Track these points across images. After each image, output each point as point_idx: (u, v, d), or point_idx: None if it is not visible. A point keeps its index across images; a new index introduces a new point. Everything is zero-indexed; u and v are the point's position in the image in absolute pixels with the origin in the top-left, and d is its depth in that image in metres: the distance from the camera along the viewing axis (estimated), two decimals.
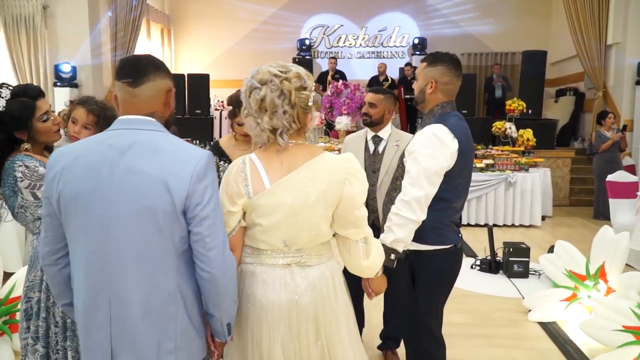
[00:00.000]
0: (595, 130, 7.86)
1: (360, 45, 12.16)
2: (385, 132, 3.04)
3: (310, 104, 1.67)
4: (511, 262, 4.76)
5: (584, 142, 9.61)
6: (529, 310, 3.93)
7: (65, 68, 8.41)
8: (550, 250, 4.40)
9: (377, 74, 10.29)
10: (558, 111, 10.53)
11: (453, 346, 3.04)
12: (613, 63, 8.85)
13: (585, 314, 3.63)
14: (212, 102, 10.15)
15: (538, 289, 4.30)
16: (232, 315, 1.56)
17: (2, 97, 2.03)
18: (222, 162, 2.59)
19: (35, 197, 1.97)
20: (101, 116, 2.19)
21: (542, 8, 11.47)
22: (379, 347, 3.25)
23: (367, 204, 2.96)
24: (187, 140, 1.60)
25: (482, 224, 6.95)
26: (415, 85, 2.28)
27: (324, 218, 1.66)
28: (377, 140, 3.05)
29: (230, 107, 2.59)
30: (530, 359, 3.31)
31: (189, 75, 9.59)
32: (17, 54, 8.28)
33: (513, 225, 7.10)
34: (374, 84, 9.76)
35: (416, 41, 11.53)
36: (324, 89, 9.29)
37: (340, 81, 8.28)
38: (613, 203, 5.72)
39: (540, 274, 4.73)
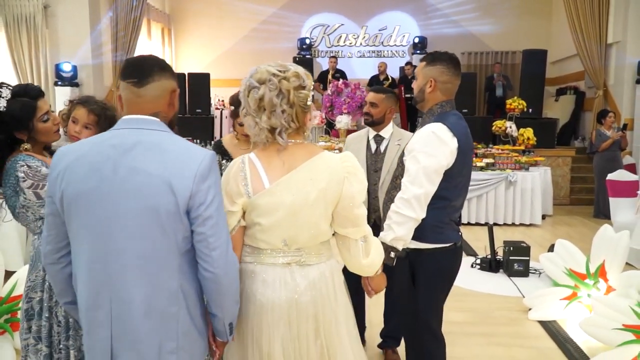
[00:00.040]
0: (595, 129, 7.86)
1: (361, 44, 12.15)
2: (387, 132, 3.05)
3: (309, 103, 1.67)
4: (511, 260, 4.76)
5: (585, 141, 9.60)
6: (529, 309, 3.94)
7: (66, 67, 8.42)
8: (551, 249, 4.41)
9: (377, 73, 10.28)
10: (558, 110, 10.53)
11: (453, 344, 3.04)
12: (613, 62, 8.84)
13: (586, 312, 3.64)
14: (212, 102, 10.16)
15: (538, 287, 4.30)
16: (234, 315, 1.57)
17: (3, 97, 2.02)
18: (224, 161, 2.60)
19: (39, 197, 1.97)
20: (102, 116, 2.19)
21: (542, 7, 11.45)
22: (379, 346, 3.25)
23: (369, 203, 3.00)
24: (188, 139, 1.59)
25: (483, 222, 6.95)
26: (415, 85, 2.29)
27: (323, 217, 1.66)
28: (378, 139, 3.05)
29: (232, 107, 2.59)
30: (530, 357, 3.31)
31: (189, 74, 9.59)
32: (18, 53, 8.29)
33: (513, 224, 7.10)
34: (374, 83, 9.76)
35: (416, 40, 11.51)
36: (325, 88, 9.30)
37: (341, 80, 8.29)
38: (613, 202, 5.72)
39: (540, 273, 4.73)
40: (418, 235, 2.13)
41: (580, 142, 9.83)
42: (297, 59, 10.56)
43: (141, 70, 1.47)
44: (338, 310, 1.72)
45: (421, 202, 2.07)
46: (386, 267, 1.98)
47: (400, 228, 2.06)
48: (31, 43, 8.27)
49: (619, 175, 5.81)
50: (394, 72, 10.70)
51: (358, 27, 12.13)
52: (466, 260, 4.96)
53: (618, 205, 5.66)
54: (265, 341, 1.64)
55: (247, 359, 1.66)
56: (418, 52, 11.33)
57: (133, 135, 1.43)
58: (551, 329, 3.68)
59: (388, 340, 3.21)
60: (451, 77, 2.21)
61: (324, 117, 8.11)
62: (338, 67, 10.22)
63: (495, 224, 6.53)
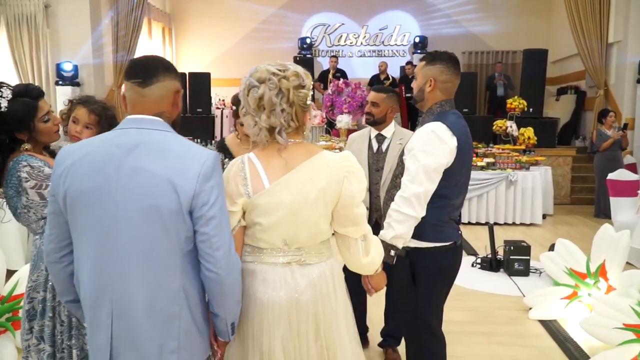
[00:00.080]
0: (596, 129, 7.86)
1: (361, 43, 12.16)
2: (388, 131, 3.05)
3: (308, 102, 1.67)
4: (512, 260, 4.76)
5: (585, 140, 9.60)
6: (530, 308, 3.94)
7: (67, 67, 8.43)
8: (551, 248, 4.41)
9: (378, 72, 10.29)
10: (559, 109, 10.53)
11: (453, 343, 3.04)
12: (614, 61, 8.84)
13: (586, 312, 3.64)
14: (213, 101, 10.18)
15: (539, 287, 4.31)
16: (236, 315, 1.57)
17: (4, 97, 2.02)
18: (227, 160, 2.61)
19: (42, 197, 1.97)
20: (102, 116, 2.20)
21: (543, 7, 11.45)
22: (380, 345, 3.25)
23: (370, 203, 3.01)
24: (189, 139, 1.60)
25: (483, 222, 6.95)
26: (414, 84, 2.30)
27: (323, 216, 1.67)
28: (380, 138, 3.05)
29: (234, 107, 2.60)
30: (531, 356, 3.32)
31: (190, 73, 9.61)
32: (19, 53, 8.31)
33: (514, 224, 7.10)
34: (375, 82, 9.77)
35: (417, 40, 11.52)
36: (325, 88, 9.30)
37: (341, 80, 8.30)
38: (614, 201, 5.72)
39: (540, 272, 4.73)
40: (418, 233, 2.13)
41: (581, 142, 9.83)
42: (298, 58, 10.57)
43: (145, 71, 1.47)
44: (338, 309, 1.73)
45: (421, 201, 2.08)
46: (386, 266, 1.98)
47: (400, 226, 2.07)
48: (32, 42, 8.29)
49: (620, 174, 5.82)
50: (394, 72, 10.71)
51: (359, 27, 12.14)
52: (467, 260, 4.96)
53: (618, 205, 5.66)
54: (266, 340, 1.64)
55: (248, 358, 1.66)
56: (419, 51, 11.32)
57: (137, 135, 1.44)
58: (552, 328, 3.68)
59: (388, 339, 3.22)
60: (451, 76, 2.21)
61: (324, 116, 8.11)
62: (339, 66, 10.22)
63: (495, 224, 6.54)
